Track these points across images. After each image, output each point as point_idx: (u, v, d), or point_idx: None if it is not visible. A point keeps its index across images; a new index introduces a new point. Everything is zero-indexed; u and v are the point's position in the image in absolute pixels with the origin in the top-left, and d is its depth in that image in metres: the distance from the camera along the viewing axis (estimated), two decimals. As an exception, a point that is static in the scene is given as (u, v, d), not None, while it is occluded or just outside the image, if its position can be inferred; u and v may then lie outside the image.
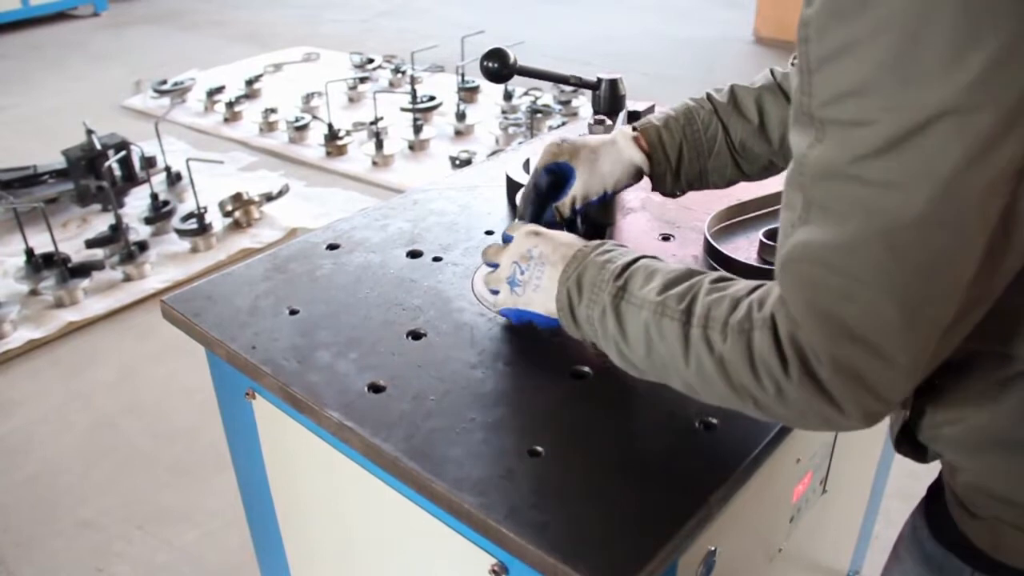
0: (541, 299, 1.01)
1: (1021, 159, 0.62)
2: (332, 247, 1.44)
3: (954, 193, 0.63)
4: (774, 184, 1.58)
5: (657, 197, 1.58)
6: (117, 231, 3.79)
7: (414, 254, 1.41)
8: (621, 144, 1.22)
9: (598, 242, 1.00)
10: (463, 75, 5.56)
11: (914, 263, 0.66)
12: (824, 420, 0.76)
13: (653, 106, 1.99)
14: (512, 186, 1.56)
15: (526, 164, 1.62)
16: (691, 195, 1.50)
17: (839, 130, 0.67)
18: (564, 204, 1.22)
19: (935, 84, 0.61)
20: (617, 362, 0.94)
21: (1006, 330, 0.77)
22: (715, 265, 1.34)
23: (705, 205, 1.54)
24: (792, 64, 0.94)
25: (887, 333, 0.68)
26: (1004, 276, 0.70)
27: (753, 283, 0.82)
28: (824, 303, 0.70)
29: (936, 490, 0.99)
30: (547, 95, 5.51)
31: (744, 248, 1.41)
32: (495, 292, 1.10)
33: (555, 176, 1.22)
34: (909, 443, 0.93)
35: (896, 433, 0.95)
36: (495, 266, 1.09)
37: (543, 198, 1.22)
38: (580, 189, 1.21)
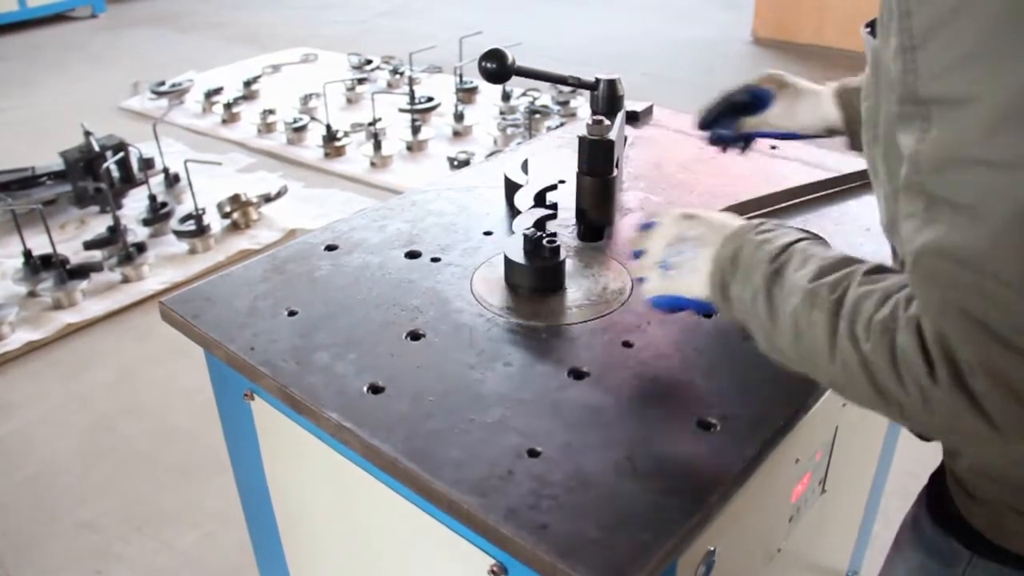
0: (696, 281, 0.99)
1: None
2: (331, 248, 1.43)
3: None
4: (769, 185, 1.59)
5: (655, 197, 1.59)
6: (115, 233, 3.79)
7: (413, 255, 1.41)
8: (823, 98, 1.27)
9: (758, 221, 0.97)
10: (461, 76, 5.56)
11: None
12: (971, 434, 0.70)
13: (651, 106, 1.99)
14: (511, 187, 1.56)
15: (524, 165, 1.62)
16: (691, 196, 1.51)
17: (948, 111, 0.64)
18: (749, 122, 1.30)
19: None
20: (764, 347, 0.91)
21: None
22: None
23: (704, 206, 1.54)
24: (865, 70, 0.92)
25: None
26: None
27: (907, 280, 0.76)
28: (964, 306, 0.65)
29: (937, 477, 0.99)
30: (545, 96, 5.51)
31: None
32: (641, 281, 1.07)
33: (752, 98, 1.28)
34: None
35: None
36: (641, 252, 1.06)
37: (731, 110, 1.29)
38: (772, 117, 1.27)
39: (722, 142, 1.40)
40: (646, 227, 1.07)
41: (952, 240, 0.65)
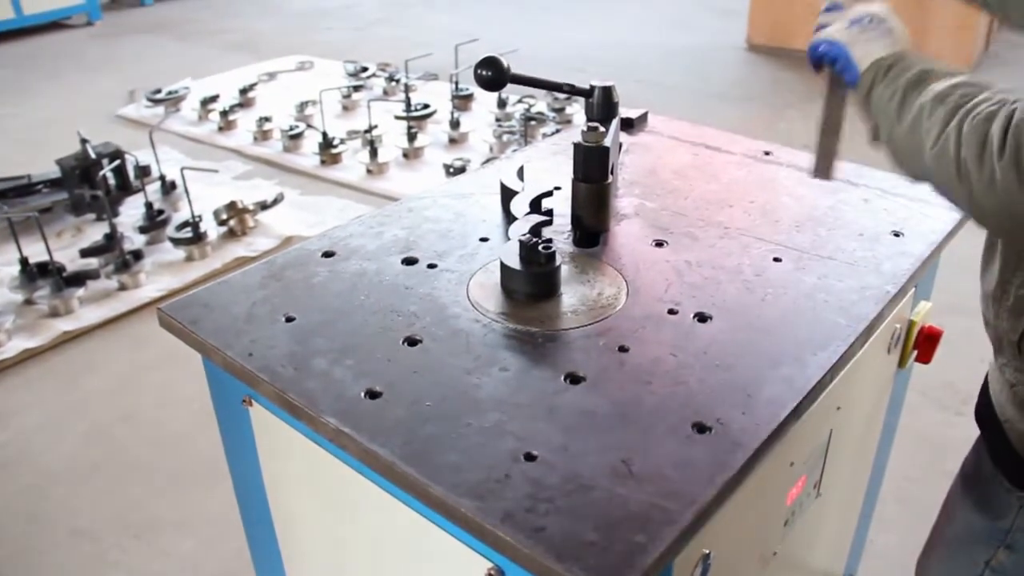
0: (863, 50, 1.13)
1: None
2: (327, 255, 1.44)
3: None
4: (763, 191, 1.60)
5: (650, 203, 1.59)
6: (112, 240, 3.80)
7: (409, 261, 1.42)
8: None
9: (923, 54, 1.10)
10: (457, 83, 5.58)
11: None
12: (1013, 218, 0.85)
13: (646, 113, 2.00)
14: (507, 193, 1.56)
15: (520, 171, 1.63)
16: (685, 202, 1.52)
17: None
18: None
19: None
20: (884, 138, 1.07)
21: None
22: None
23: (699, 212, 1.55)
24: None
25: None
26: None
27: None
28: None
29: (989, 423, 1.04)
30: (541, 103, 5.53)
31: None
32: (821, 28, 1.22)
33: None
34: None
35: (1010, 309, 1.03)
36: (833, 10, 1.23)
37: None
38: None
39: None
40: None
41: None
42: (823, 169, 1.32)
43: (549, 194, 1.48)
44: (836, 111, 1.27)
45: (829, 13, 1.23)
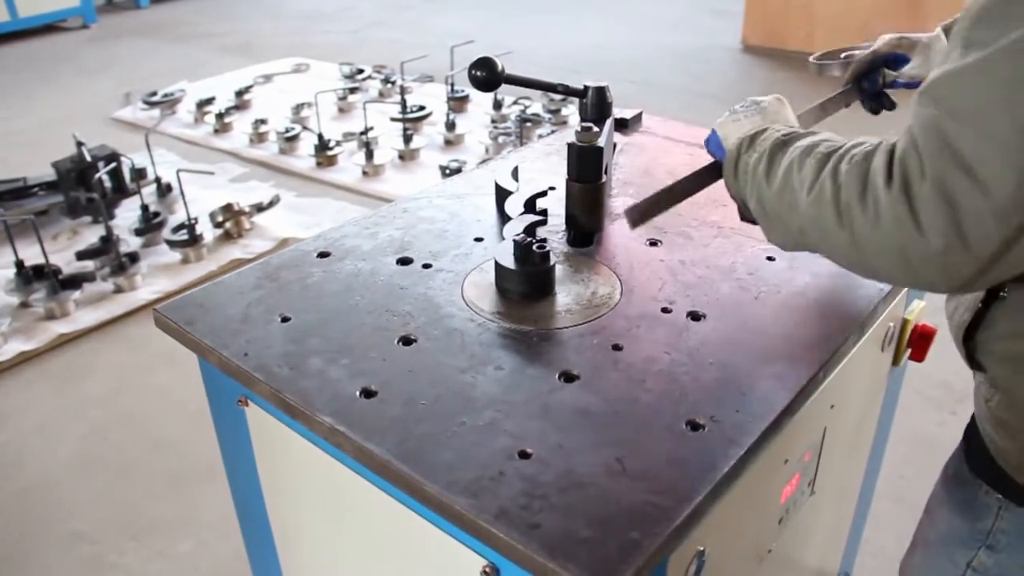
0: (733, 129, 1.14)
1: None
2: (323, 255, 1.45)
3: None
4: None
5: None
6: (108, 243, 3.79)
7: (404, 261, 1.42)
8: (945, 41, 1.36)
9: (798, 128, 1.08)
10: (452, 85, 5.58)
11: None
12: (903, 258, 0.79)
13: (640, 113, 2.01)
14: (501, 193, 1.57)
15: (515, 172, 1.63)
16: (681, 204, 1.52)
17: None
18: (891, 73, 1.47)
19: None
20: (754, 209, 1.04)
21: None
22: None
23: (693, 212, 1.56)
24: None
25: (990, 156, 0.71)
26: None
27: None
28: (944, 124, 0.75)
29: (969, 433, 1.05)
30: (536, 104, 5.53)
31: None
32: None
33: (894, 57, 1.45)
34: (967, 347, 0.99)
35: (962, 329, 1.00)
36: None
37: (876, 65, 1.47)
38: (913, 71, 1.44)
39: (862, 93, 1.53)
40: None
41: (961, 67, 0.74)
42: (638, 215, 1.25)
43: (544, 194, 1.48)
44: (693, 184, 1.25)
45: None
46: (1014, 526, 0.96)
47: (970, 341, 0.99)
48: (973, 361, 1.00)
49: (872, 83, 1.53)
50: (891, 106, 1.52)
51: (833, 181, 0.86)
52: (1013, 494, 0.95)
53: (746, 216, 1.13)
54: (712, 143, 1.20)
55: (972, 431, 1.03)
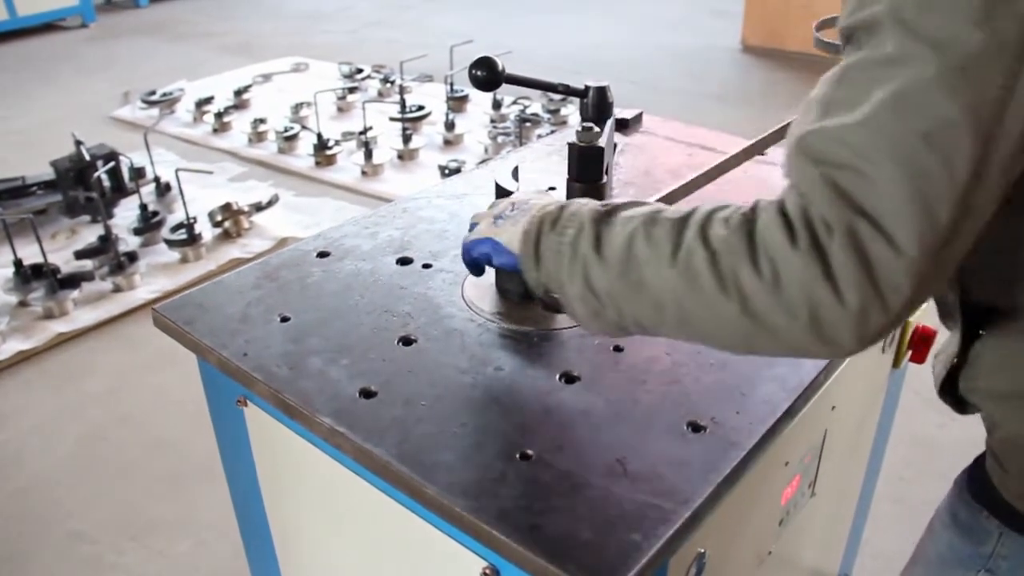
0: (510, 231, 1.02)
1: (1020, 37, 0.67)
2: (322, 255, 1.44)
3: (961, 60, 0.67)
4: (758, 190, 1.60)
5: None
6: (106, 242, 3.79)
7: (404, 261, 1.42)
8: None
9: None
10: (452, 84, 5.58)
11: (919, 128, 0.68)
12: (814, 317, 0.72)
13: (641, 113, 2.01)
14: (501, 193, 1.56)
15: (515, 172, 1.63)
16: (681, 203, 1.52)
17: (866, 33, 0.73)
18: None
19: None
20: (576, 295, 0.89)
21: None
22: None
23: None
24: None
25: (892, 209, 0.69)
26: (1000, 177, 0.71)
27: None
28: (835, 176, 0.71)
29: (977, 461, 1.03)
30: (536, 104, 5.53)
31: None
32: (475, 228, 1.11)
33: None
34: (951, 393, 0.97)
35: (941, 381, 0.98)
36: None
37: None
38: None
39: None
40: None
41: (836, 123, 0.72)
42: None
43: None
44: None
45: (484, 212, 1.14)
46: (1014, 552, 0.95)
47: (954, 387, 0.98)
48: (963, 405, 0.99)
49: None
50: None
51: (705, 248, 0.77)
52: (1013, 522, 0.95)
53: (551, 305, 1.00)
54: (489, 250, 1.06)
55: (980, 457, 1.03)
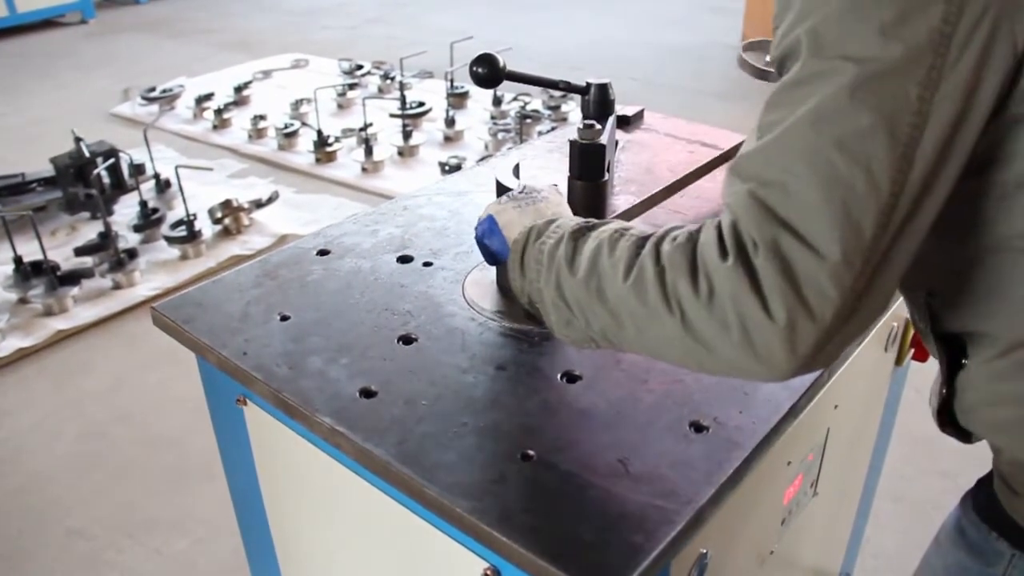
0: (511, 216, 1.08)
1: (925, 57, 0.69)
2: (322, 253, 1.44)
3: (868, 74, 0.70)
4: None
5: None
6: (106, 239, 3.78)
7: (404, 259, 1.41)
8: None
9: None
10: (452, 81, 5.57)
11: (833, 137, 0.71)
12: (744, 331, 0.74)
13: (642, 110, 2.00)
14: (502, 191, 1.55)
15: (516, 169, 1.62)
16: (681, 200, 1.51)
17: (791, 61, 0.76)
18: None
19: None
20: (549, 301, 0.94)
21: (993, 310, 0.82)
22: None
23: (695, 209, 1.55)
24: None
25: (812, 218, 0.71)
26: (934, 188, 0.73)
27: None
28: (760, 193, 0.74)
29: (985, 480, 1.01)
30: (536, 100, 5.52)
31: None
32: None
33: None
34: (952, 424, 0.95)
35: (936, 413, 0.97)
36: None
37: None
38: None
39: None
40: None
41: (760, 144, 0.76)
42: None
43: None
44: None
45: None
46: None
47: (951, 418, 0.96)
48: (964, 434, 0.98)
49: None
50: None
51: (655, 263, 0.80)
52: (1022, 544, 0.93)
53: (532, 315, 1.03)
54: (487, 231, 1.12)
55: (986, 477, 1.01)
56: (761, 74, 1.68)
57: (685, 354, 0.81)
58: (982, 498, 0.99)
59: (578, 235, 0.93)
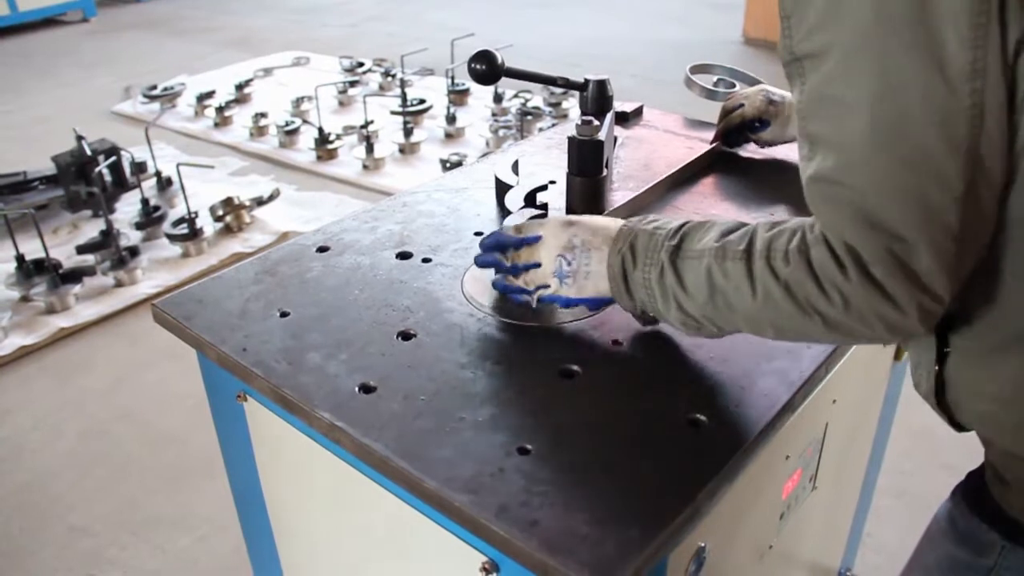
0: (593, 283, 1.09)
1: (965, 54, 0.72)
2: (322, 249, 1.44)
3: (900, 74, 0.74)
4: (758, 183, 1.59)
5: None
6: (108, 237, 3.79)
7: (403, 256, 1.42)
8: None
9: (641, 216, 1.07)
10: (453, 78, 5.57)
11: (898, 156, 0.75)
12: (887, 323, 0.82)
13: (641, 107, 2.00)
14: (501, 187, 1.56)
15: (515, 166, 1.63)
16: (683, 198, 1.51)
17: (816, 62, 0.79)
18: (758, 136, 1.68)
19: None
20: (675, 319, 1.00)
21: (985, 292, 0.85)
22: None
23: (693, 205, 1.55)
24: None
25: (904, 224, 0.77)
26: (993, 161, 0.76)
27: (806, 218, 0.88)
28: (852, 213, 0.79)
29: (975, 473, 1.02)
30: (537, 97, 5.52)
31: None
32: (530, 291, 1.16)
33: (757, 122, 1.65)
34: (946, 411, 0.96)
35: (933, 404, 0.98)
36: (534, 266, 1.14)
37: (742, 127, 1.68)
38: (769, 135, 1.67)
39: (729, 146, 1.76)
40: (529, 241, 1.15)
41: (826, 166, 0.80)
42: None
43: (544, 188, 1.47)
44: None
45: (532, 273, 1.15)
46: (1018, 565, 0.94)
47: (944, 405, 0.97)
48: (957, 424, 0.98)
49: (735, 142, 1.73)
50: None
51: (777, 282, 0.87)
52: (1017, 536, 0.93)
53: (649, 321, 1.12)
54: (559, 305, 1.15)
55: (977, 469, 1.01)
56: (709, 94, 1.85)
57: (833, 341, 0.91)
58: (972, 490, 0.99)
59: (675, 258, 0.97)
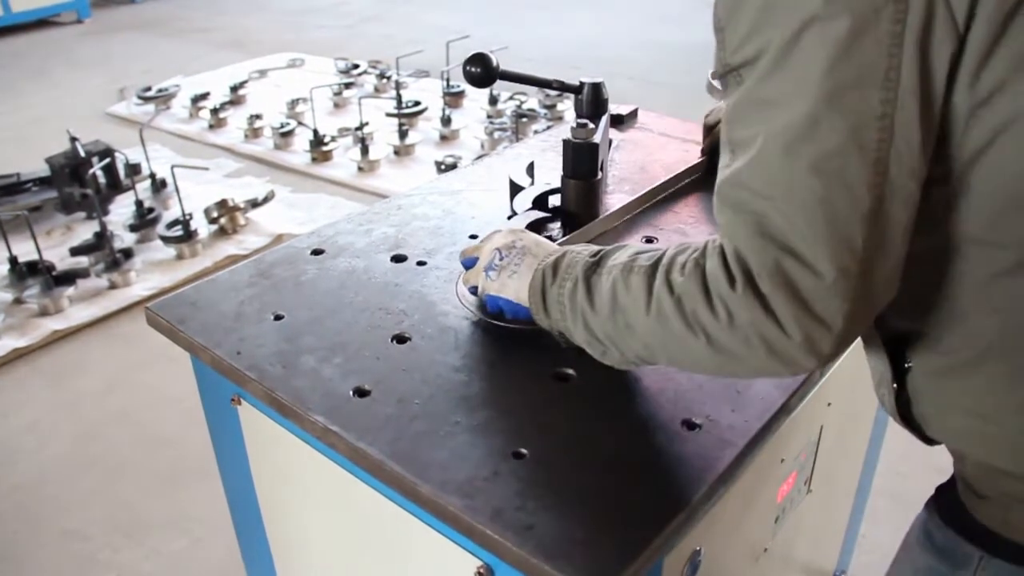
0: (515, 285, 1.08)
1: (881, 61, 0.70)
2: (316, 252, 1.44)
3: (828, 93, 0.71)
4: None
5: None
6: (102, 238, 3.78)
7: (398, 259, 1.41)
8: None
9: (584, 245, 1.06)
10: (448, 80, 5.57)
11: (808, 161, 0.73)
12: (768, 345, 0.78)
13: (636, 109, 2.00)
14: (515, 190, 1.55)
15: (530, 168, 1.62)
16: (679, 200, 1.51)
17: (748, 70, 0.76)
18: None
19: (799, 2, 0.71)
20: (581, 338, 0.99)
21: (942, 315, 0.83)
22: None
23: (688, 209, 1.55)
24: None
25: (803, 240, 0.74)
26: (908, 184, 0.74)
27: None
28: (750, 221, 0.77)
29: (946, 485, 1.01)
30: (532, 99, 5.52)
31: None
32: (473, 291, 1.18)
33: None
34: (913, 426, 0.95)
35: (895, 413, 0.97)
36: (474, 263, 1.17)
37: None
38: None
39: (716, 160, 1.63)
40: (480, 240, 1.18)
41: (738, 168, 0.78)
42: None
43: (556, 191, 1.47)
44: None
45: (470, 270, 1.20)
46: (996, 575, 0.93)
47: (911, 420, 0.96)
48: (926, 438, 0.97)
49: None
50: None
51: (670, 294, 0.84)
52: (994, 548, 0.93)
53: (569, 344, 1.06)
54: (502, 307, 1.13)
55: (948, 483, 1.01)
56: None
57: (718, 368, 0.86)
58: (945, 504, 0.98)
59: (590, 273, 0.96)
